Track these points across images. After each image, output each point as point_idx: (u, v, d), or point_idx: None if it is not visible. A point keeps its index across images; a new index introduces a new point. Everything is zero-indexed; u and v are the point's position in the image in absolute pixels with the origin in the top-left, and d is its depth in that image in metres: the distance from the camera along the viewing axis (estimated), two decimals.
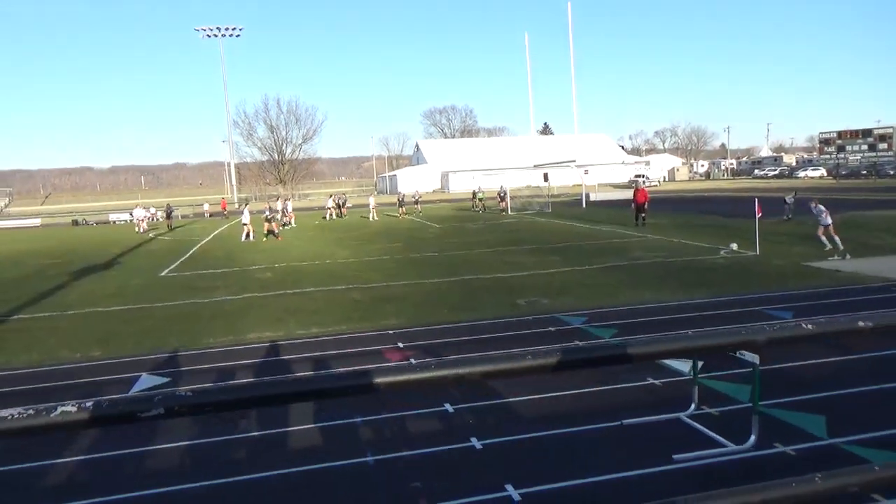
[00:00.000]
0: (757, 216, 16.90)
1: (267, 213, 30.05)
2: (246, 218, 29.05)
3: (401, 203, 42.88)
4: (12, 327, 12.12)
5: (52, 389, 8.19)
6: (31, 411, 1.14)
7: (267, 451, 6.06)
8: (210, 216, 55.54)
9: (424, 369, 1.22)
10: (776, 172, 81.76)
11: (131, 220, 40.99)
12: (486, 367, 1.23)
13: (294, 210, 39.88)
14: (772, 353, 7.49)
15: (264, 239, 28.34)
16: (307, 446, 6.11)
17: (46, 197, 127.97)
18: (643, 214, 26.79)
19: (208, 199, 76.16)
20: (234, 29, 72.85)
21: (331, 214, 42.50)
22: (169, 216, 41.88)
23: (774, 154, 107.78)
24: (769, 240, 18.04)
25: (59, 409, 1.14)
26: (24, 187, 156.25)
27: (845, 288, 12.14)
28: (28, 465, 5.90)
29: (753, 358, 5.36)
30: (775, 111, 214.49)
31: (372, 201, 41.62)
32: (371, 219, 38.97)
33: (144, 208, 42.47)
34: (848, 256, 15.47)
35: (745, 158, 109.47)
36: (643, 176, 78.42)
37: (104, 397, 1.17)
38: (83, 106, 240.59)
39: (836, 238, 16.03)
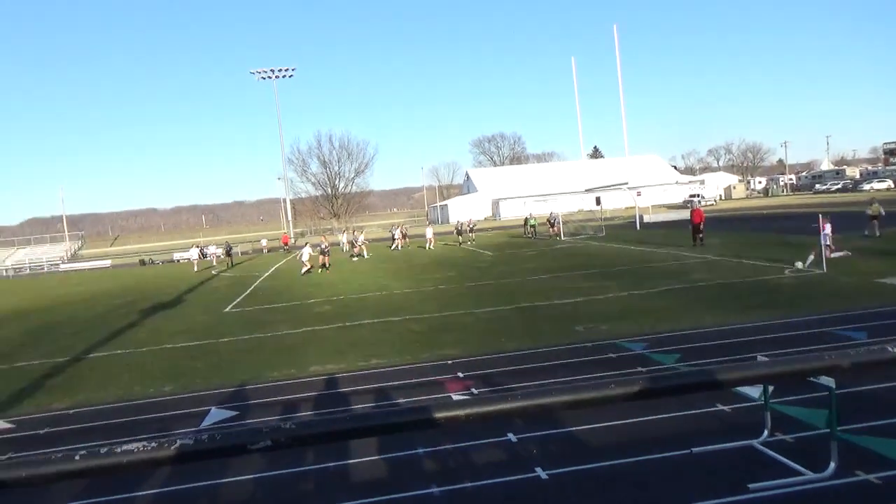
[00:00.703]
0: (822, 233, 16.35)
1: (323, 246, 30.96)
2: (305, 256, 29.90)
3: (459, 231, 43.54)
4: (90, 364, 12.72)
5: (131, 424, 8.54)
6: (153, 444, 1.24)
7: (333, 483, 6.15)
8: (268, 251, 57.11)
9: (510, 400, 1.28)
10: (839, 186, 78.71)
11: (193, 259, 42.79)
12: (569, 396, 1.27)
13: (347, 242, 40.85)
14: (847, 376, 7.17)
15: (319, 271, 29.07)
16: (373, 478, 6.17)
17: (115, 238, 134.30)
18: (700, 234, 26.27)
19: (266, 234, 78.53)
20: (287, 70, 75.54)
21: (398, 245, 43.30)
22: (229, 253, 43.30)
23: (836, 167, 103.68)
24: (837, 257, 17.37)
25: (178, 442, 1.24)
26: (94, 230, 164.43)
27: None
28: (104, 498, 6.14)
29: (829, 382, 5.16)
30: (834, 123, 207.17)
31: (429, 232, 42.39)
32: (428, 248, 39.63)
33: (198, 247, 45.01)
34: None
35: (804, 173, 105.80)
36: (698, 195, 76.78)
37: (216, 429, 1.27)
38: (147, 150, 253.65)
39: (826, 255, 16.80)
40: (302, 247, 31.77)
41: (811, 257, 16.70)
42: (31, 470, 1.21)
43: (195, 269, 40.22)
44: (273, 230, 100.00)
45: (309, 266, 29.38)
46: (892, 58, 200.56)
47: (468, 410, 1.24)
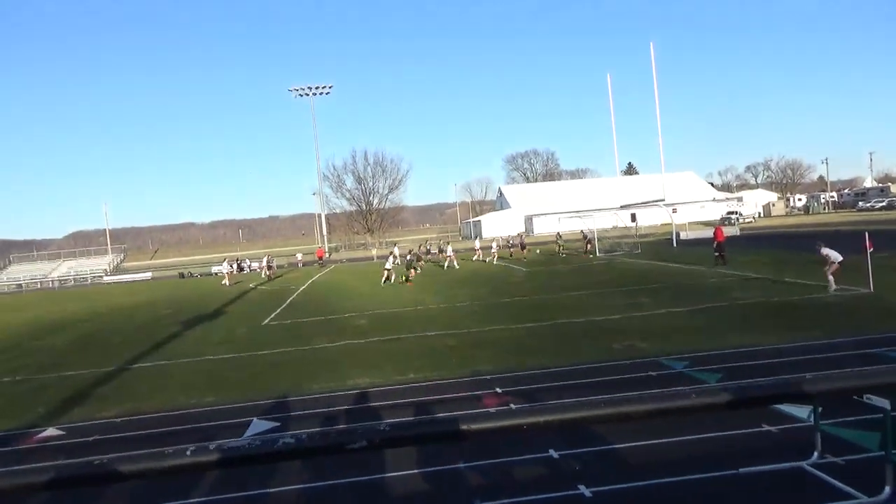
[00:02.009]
0: (868, 250, 15.96)
1: (409, 257, 31.43)
2: (389, 264, 30.08)
3: (523, 245, 43.64)
4: (136, 374, 13.07)
5: (178, 433, 8.73)
6: (258, 442, 1.33)
7: (377, 496, 6.20)
8: (303, 265, 57.90)
9: (614, 405, 1.33)
10: (884, 204, 76.45)
11: (225, 272, 43.35)
12: (653, 405, 1.32)
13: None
14: None
15: (401, 281, 29.39)
16: (415, 491, 6.21)
17: (155, 252, 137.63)
18: (717, 253, 26.27)
19: (301, 249, 79.64)
20: (324, 87, 76.87)
21: (479, 255, 43.66)
22: (270, 267, 43.95)
23: (880, 185, 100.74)
24: (884, 276, 16.90)
25: (281, 441, 1.32)
26: (135, 243, 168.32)
27: None
28: None
29: (883, 403, 5.05)
30: (878, 139, 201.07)
31: (495, 245, 43.35)
32: (493, 262, 40.18)
33: (230, 262, 46.26)
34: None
35: (846, 190, 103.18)
36: (736, 213, 75.62)
37: (316, 430, 1.35)
38: (186, 165, 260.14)
39: (832, 278, 16.43)
40: (386, 257, 31.88)
41: (831, 278, 16.32)
42: (147, 464, 1.31)
43: (226, 283, 40.36)
44: (307, 244, 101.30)
45: (393, 274, 29.36)
46: None
47: (560, 416, 1.30)
